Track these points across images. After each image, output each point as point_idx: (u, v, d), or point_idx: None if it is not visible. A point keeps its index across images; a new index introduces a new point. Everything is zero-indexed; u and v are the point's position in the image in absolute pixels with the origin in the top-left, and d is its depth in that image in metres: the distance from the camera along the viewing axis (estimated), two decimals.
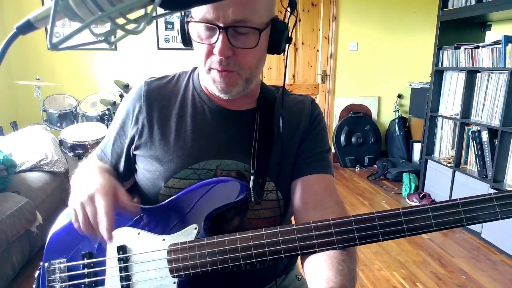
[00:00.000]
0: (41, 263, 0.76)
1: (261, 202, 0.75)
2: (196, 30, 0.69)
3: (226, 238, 0.66)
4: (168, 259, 0.69)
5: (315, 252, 0.64)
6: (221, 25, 0.65)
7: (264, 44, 0.72)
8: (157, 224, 0.73)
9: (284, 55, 0.80)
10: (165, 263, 0.69)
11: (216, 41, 0.66)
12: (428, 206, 0.61)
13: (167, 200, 0.75)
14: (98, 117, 3.37)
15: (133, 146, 0.81)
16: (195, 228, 0.71)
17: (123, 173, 0.85)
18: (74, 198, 0.69)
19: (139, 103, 0.81)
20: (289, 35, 0.75)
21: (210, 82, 0.73)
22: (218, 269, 0.66)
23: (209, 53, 0.69)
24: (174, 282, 0.69)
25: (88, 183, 0.69)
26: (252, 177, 0.74)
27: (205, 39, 0.69)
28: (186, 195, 0.74)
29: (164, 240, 0.71)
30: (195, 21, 0.68)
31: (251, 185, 0.73)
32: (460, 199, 0.60)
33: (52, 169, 2.45)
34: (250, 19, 0.66)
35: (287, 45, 0.76)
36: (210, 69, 0.71)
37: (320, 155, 0.81)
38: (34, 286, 0.77)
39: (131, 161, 0.83)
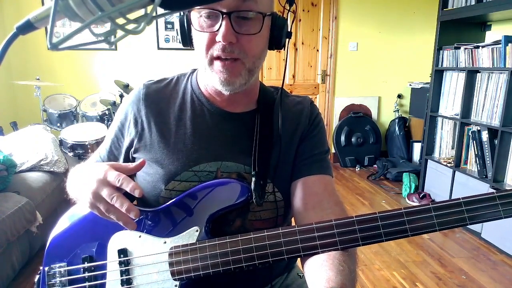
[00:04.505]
0: (41, 268, 0.76)
1: (262, 204, 0.75)
2: (198, 20, 0.69)
3: (228, 240, 0.66)
4: (170, 261, 0.69)
5: (317, 253, 0.64)
6: (224, 10, 0.65)
7: (266, 34, 0.72)
8: (158, 227, 0.73)
9: (284, 52, 0.80)
10: (167, 266, 0.69)
11: (220, 27, 0.66)
12: (431, 206, 0.60)
13: (168, 203, 0.74)
14: (98, 117, 3.37)
15: (132, 149, 0.81)
16: (197, 231, 0.71)
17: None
18: (84, 196, 0.67)
19: (137, 106, 0.81)
20: (289, 30, 0.75)
21: (212, 75, 0.71)
22: (220, 271, 0.66)
23: (212, 42, 0.68)
24: (176, 285, 0.69)
25: (88, 177, 0.67)
26: (253, 179, 0.74)
27: (207, 28, 0.68)
28: (187, 197, 0.73)
29: (165, 243, 0.71)
30: (198, 8, 0.68)
31: (252, 187, 0.73)
32: (462, 198, 0.60)
33: (52, 169, 2.45)
34: (253, 3, 0.66)
35: (287, 40, 0.76)
36: (212, 59, 0.70)
37: (318, 156, 0.81)
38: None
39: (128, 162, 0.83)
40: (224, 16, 0.65)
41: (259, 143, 0.77)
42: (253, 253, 0.65)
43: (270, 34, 0.73)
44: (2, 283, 1.82)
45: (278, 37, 0.73)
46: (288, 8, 0.72)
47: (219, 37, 0.66)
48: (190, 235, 0.71)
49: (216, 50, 0.68)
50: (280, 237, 0.64)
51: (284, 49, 0.75)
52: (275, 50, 0.78)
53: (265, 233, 0.65)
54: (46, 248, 0.77)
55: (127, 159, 0.83)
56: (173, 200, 0.74)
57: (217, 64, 0.70)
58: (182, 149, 0.78)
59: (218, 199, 0.72)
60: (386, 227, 0.61)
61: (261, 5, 0.68)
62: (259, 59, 0.73)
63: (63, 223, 0.78)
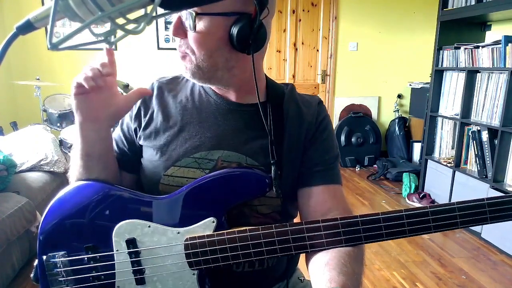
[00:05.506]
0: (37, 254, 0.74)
1: (281, 193, 0.74)
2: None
3: (248, 234, 0.66)
4: (186, 253, 0.68)
5: (341, 246, 0.67)
6: None
7: (217, 33, 0.68)
8: (169, 216, 0.71)
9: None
10: (183, 257, 0.68)
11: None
12: (456, 206, 0.64)
13: (178, 191, 0.72)
14: None
15: (137, 137, 0.83)
16: (213, 222, 0.69)
17: (130, 163, 0.85)
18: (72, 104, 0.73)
19: (148, 97, 0.84)
20: (254, 33, 0.68)
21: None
22: (241, 263, 0.68)
23: None
24: (194, 274, 0.69)
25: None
26: (273, 168, 0.73)
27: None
28: (202, 186, 0.71)
29: (179, 233, 0.69)
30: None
31: (272, 176, 0.72)
32: (486, 199, 0.64)
33: (52, 169, 2.45)
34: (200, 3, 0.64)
35: (254, 43, 0.69)
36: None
37: (328, 163, 0.81)
38: (32, 274, 0.75)
39: (137, 153, 0.84)
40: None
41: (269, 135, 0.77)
42: (275, 246, 0.66)
43: (230, 32, 0.68)
44: (2, 283, 1.82)
45: (235, 38, 0.68)
46: (257, 8, 0.67)
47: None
48: (206, 226, 0.69)
49: (177, 44, 0.73)
50: (304, 232, 0.66)
51: (249, 53, 0.70)
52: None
53: (288, 228, 0.66)
54: (40, 228, 0.73)
55: (134, 147, 0.84)
56: (186, 187, 0.72)
57: (179, 54, 0.74)
58: (185, 136, 0.78)
59: (238, 189, 0.71)
60: (411, 224, 0.65)
61: (212, 5, 0.64)
62: (210, 57, 0.70)
63: (57, 206, 0.74)
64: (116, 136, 0.87)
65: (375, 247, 2.45)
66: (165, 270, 0.69)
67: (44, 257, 0.72)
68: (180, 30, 0.69)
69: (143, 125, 0.82)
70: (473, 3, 2.78)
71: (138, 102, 0.84)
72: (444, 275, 2.17)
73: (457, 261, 2.33)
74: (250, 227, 0.67)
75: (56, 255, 0.72)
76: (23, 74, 3.62)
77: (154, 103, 0.83)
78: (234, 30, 0.67)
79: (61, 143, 2.91)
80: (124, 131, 0.86)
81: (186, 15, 0.68)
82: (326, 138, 0.83)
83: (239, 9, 0.68)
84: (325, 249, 0.67)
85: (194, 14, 0.66)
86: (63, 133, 3.03)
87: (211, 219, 0.69)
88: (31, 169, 2.37)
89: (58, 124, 3.36)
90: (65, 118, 3.38)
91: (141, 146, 0.83)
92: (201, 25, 0.67)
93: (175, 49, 0.77)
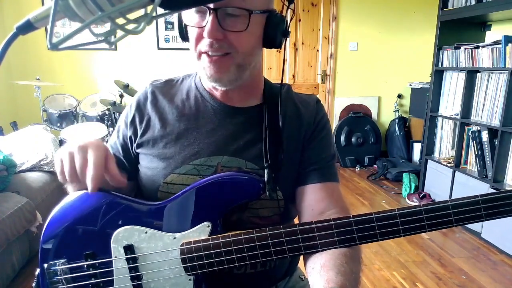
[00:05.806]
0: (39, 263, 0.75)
1: (275, 197, 0.74)
2: (189, 15, 0.69)
3: (243, 237, 0.66)
4: (182, 258, 0.68)
5: (335, 247, 0.66)
6: (211, 6, 0.64)
7: (258, 31, 0.70)
8: (166, 222, 0.71)
9: (282, 51, 0.79)
10: (179, 262, 0.68)
11: (206, 23, 0.66)
12: (450, 203, 0.62)
13: (174, 196, 0.73)
14: (98, 117, 3.37)
15: (135, 145, 0.82)
16: (208, 226, 0.69)
17: (127, 171, 0.84)
18: (62, 148, 0.69)
19: (143, 103, 0.83)
20: (286, 28, 0.73)
21: (201, 69, 0.72)
22: (237, 266, 0.67)
23: (200, 37, 0.68)
24: (190, 279, 0.69)
25: (81, 139, 0.69)
26: (266, 171, 0.73)
27: (196, 23, 0.68)
28: (197, 191, 0.71)
29: (175, 238, 0.69)
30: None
31: (265, 179, 0.72)
32: (480, 195, 0.62)
33: (52, 169, 2.45)
34: (241, 0, 0.65)
35: (284, 39, 0.74)
36: (200, 54, 0.70)
37: (325, 161, 0.81)
38: (33, 284, 0.76)
39: (132, 161, 0.83)
40: (211, 12, 0.65)
41: (267, 137, 0.77)
42: (270, 249, 0.65)
43: (264, 32, 0.71)
44: (2, 283, 1.82)
45: (272, 35, 0.71)
46: (287, 5, 0.70)
47: (205, 33, 0.66)
48: (201, 231, 0.69)
49: (204, 46, 0.68)
50: (297, 234, 0.65)
51: (281, 48, 0.74)
52: (276, 50, 0.78)
53: (281, 230, 0.66)
54: (42, 237, 0.74)
55: (130, 155, 0.83)
56: (181, 193, 0.72)
57: (204, 58, 0.70)
58: (184, 143, 0.78)
59: (231, 193, 0.71)
60: (404, 223, 0.64)
61: (251, 3, 0.66)
62: (250, 55, 0.72)
63: (59, 215, 0.75)
64: (112, 143, 0.86)
65: (375, 247, 2.45)
66: (162, 276, 0.69)
67: (45, 265, 0.73)
68: (219, 32, 0.66)
69: (139, 133, 0.81)
70: (473, 3, 2.78)
71: (133, 109, 0.83)
72: (444, 275, 2.17)
73: (457, 261, 2.33)
74: (245, 231, 0.67)
75: (57, 263, 0.72)
76: (23, 74, 3.62)
77: (150, 109, 0.82)
78: (272, 27, 0.70)
79: (61, 143, 2.92)
80: (119, 139, 0.85)
81: (236, 14, 0.66)
82: (324, 136, 0.83)
83: (269, 7, 0.71)
84: (319, 251, 0.66)
85: (250, 12, 0.66)
86: (63, 133, 3.03)
87: (206, 223, 0.69)
88: (31, 169, 2.37)
89: (58, 124, 3.37)
90: (65, 118, 3.39)
91: (137, 154, 0.82)
92: (245, 23, 0.67)
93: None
